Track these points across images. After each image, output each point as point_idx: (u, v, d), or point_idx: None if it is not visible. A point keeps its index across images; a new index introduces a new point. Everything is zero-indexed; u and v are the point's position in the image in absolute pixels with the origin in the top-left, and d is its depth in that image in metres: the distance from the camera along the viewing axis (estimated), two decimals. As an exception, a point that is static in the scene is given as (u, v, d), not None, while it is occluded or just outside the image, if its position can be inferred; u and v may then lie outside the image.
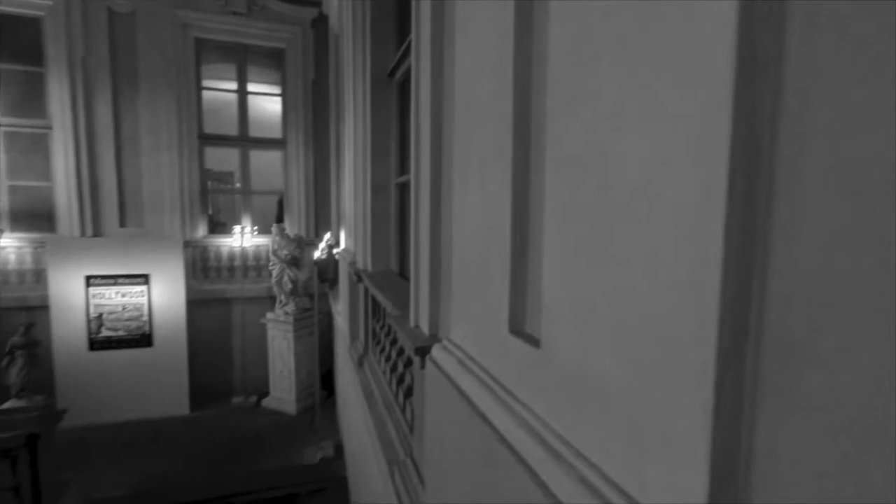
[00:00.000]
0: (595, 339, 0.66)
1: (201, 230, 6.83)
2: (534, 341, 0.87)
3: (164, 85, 6.37)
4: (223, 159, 7.59)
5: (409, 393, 2.26)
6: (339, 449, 5.40)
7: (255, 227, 6.96)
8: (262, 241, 6.90)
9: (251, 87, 7.03)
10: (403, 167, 3.22)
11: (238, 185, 7.42)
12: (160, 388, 6.16)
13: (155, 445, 5.54)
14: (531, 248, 0.91)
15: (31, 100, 6.00)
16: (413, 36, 1.71)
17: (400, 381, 2.40)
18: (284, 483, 4.81)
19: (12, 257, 5.99)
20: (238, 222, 7.03)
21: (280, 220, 7.32)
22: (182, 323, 6.30)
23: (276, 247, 6.27)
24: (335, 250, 6.00)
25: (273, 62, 7.07)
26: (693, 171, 0.52)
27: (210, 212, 7.21)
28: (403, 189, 3.22)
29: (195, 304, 6.49)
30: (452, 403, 1.12)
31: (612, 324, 0.63)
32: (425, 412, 1.36)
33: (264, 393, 6.65)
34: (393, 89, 3.22)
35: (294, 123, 7.05)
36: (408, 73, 2.91)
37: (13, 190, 6.06)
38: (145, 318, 6.16)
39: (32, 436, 3.53)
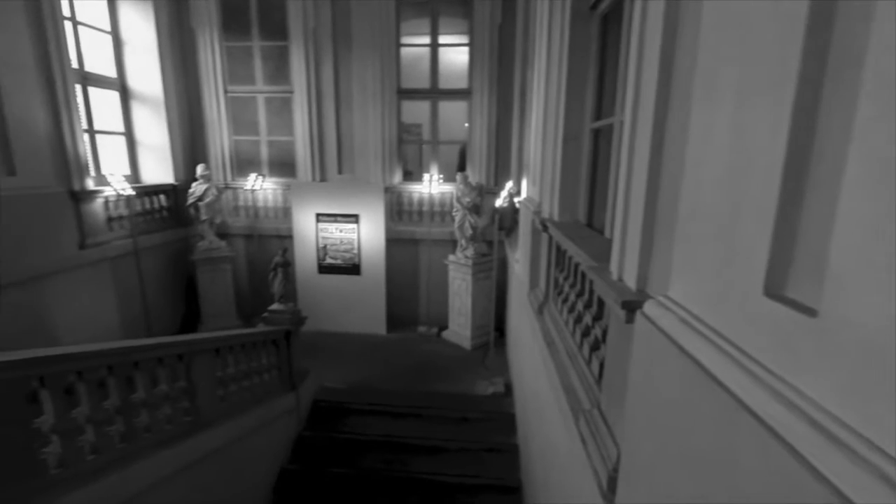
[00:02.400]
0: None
1: (397, 177, 7.70)
2: (805, 309, 0.72)
3: (370, 45, 7.13)
4: (414, 112, 8.26)
5: (595, 346, 2.21)
6: (508, 387, 5.75)
7: (441, 175, 7.51)
8: (447, 188, 7.43)
9: (442, 40, 7.32)
10: (599, 112, 2.98)
11: (426, 136, 8.03)
12: (365, 310, 7.45)
13: (362, 355, 6.80)
14: (813, 192, 0.74)
15: (280, 69, 7.50)
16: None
17: (585, 333, 2.37)
18: (460, 407, 5.40)
19: (270, 197, 7.84)
20: (425, 170, 7.67)
21: (462, 168, 7.71)
22: (382, 258, 7.38)
23: (459, 194, 6.68)
24: (516, 199, 6.08)
25: (462, 11, 7.19)
26: None
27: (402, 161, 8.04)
28: (597, 135, 3.00)
29: (391, 242, 7.49)
30: (671, 363, 1.04)
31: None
32: (630, 368, 1.31)
33: (444, 326, 7.44)
34: (595, 23, 2.93)
35: (479, 72, 7.16)
36: (616, 1, 2.60)
37: (270, 144, 7.82)
38: (356, 251, 7.41)
39: (288, 331, 4.70)
